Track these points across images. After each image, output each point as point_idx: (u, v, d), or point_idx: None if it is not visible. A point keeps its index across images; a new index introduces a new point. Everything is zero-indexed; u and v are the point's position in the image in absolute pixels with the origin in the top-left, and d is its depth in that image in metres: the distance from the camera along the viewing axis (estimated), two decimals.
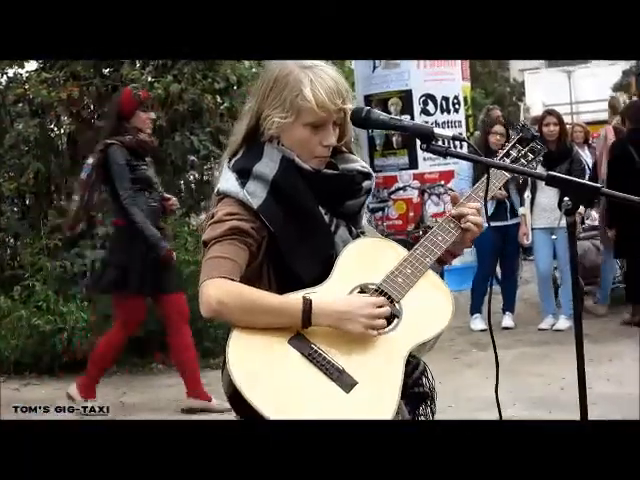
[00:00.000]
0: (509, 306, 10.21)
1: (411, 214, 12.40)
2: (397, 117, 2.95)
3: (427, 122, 12.50)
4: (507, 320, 10.03)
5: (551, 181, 2.75)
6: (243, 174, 2.77)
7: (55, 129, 10.04)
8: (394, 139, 12.75)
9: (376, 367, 2.60)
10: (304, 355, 2.56)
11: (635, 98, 14.36)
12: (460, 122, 12.86)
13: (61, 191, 10.09)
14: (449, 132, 2.85)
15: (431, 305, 2.76)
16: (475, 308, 10.13)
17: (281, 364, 2.54)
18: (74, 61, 9.44)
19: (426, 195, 11.84)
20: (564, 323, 9.66)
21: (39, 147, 9.84)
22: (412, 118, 12.40)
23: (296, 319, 2.59)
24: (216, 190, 2.82)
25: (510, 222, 9.82)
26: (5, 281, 9.57)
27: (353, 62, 13.72)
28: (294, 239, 2.73)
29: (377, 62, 12.67)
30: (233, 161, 2.84)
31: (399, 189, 12.05)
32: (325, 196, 2.83)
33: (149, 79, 9.51)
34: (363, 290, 2.73)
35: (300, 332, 2.59)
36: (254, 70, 10.28)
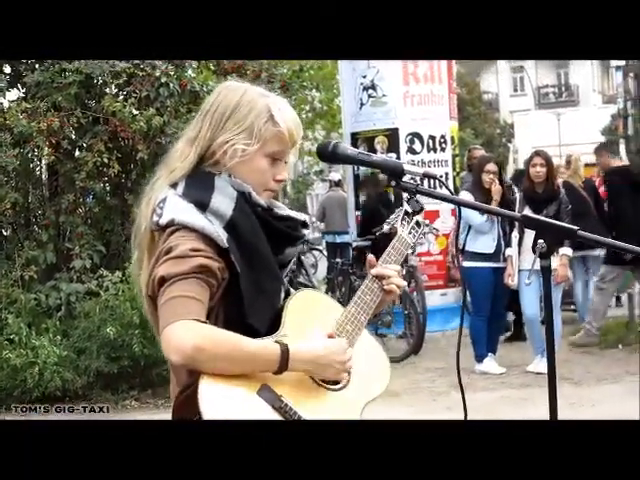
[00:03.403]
0: (492, 348, 10.02)
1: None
2: (366, 152, 2.84)
3: (413, 161, 12.45)
4: (492, 364, 9.83)
5: (525, 222, 2.64)
6: (199, 207, 2.52)
7: (35, 160, 9.88)
8: (380, 177, 12.67)
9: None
10: (275, 408, 2.43)
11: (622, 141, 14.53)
12: (447, 161, 12.83)
13: (38, 222, 9.95)
14: (420, 169, 2.74)
15: (373, 363, 2.78)
16: (481, 353, 9.87)
17: (253, 417, 2.41)
18: (55, 92, 9.33)
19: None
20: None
21: (18, 177, 9.72)
22: (398, 156, 12.40)
23: (272, 365, 2.42)
24: (167, 219, 2.50)
25: (502, 264, 9.65)
26: None
27: (341, 99, 13.66)
28: (253, 285, 2.55)
29: (364, 99, 12.64)
30: (180, 191, 2.57)
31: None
32: (273, 239, 2.66)
33: (132, 111, 9.38)
34: None
35: (265, 384, 2.43)
36: None
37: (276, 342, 2.46)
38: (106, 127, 9.43)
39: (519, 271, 9.46)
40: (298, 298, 2.69)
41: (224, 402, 2.37)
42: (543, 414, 2.59)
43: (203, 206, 2.53)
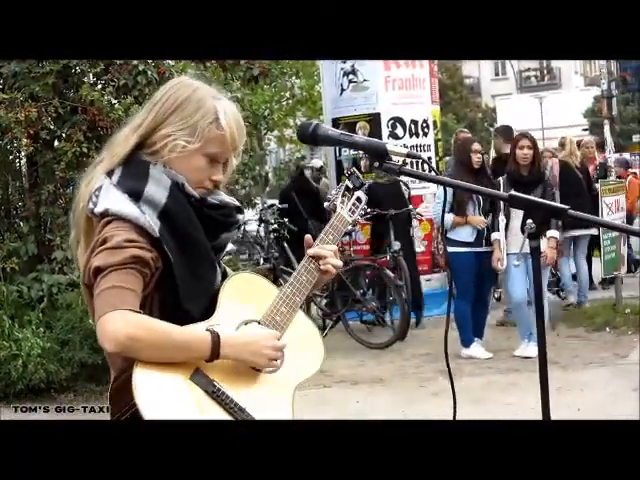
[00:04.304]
0: (478, 332, 9.98)
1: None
2: (347, 133, 2.78)
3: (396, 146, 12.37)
4: (479, 349, 9.79)
5: (513, 202, 2.59)
6: (133, 196, 2.59)
7: (14, 151, 9.77)
8: (362, 163, 12.61)
9: (272, 406, 2.63)
10: (207, 393, 2.49)
11: (606, 122, 14.58)
12: (429, 146, 12.78)
13: (19, 214, 9.85)
14: (404, 150, 2.69)
15: (307, 344, 2.82)
16: (467, 337, 9.84)
17: (187, 402, 2.47)
18: (32, 82, 9.22)
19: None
20: (534, 350, 9.47)
21: None
22: None
23: (204, 353, 2.49)
24: (102, 209, 2.57)
25: (484, 249, 9.63)
26: None
27: (322, 84, 13.58)
28: (187, 273, 2.61)
29: (345, 84, 12.58)
30: (115, 179, 2.63)
31: (367, 213, 11.82)
32: (207, 227, 2.71)
33: (110, 100, 9.28)
34: None
35: (198, 368, 2.51)
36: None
37: (207, 330, 2.51)
38: (84, 117, 9.31)
39: (507, 255, 9.42)
40: (233, 281, 2.75)
41: (157, 388, 2.42)
42: (530, 400, 2.55)
43: (137, 195, 2.58)
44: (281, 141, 25.20)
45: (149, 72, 9.45)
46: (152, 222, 2.55)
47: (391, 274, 10.70)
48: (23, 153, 9.45)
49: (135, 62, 9.41)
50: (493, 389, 8.29)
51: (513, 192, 2.53)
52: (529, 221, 2.48)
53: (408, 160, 2.72)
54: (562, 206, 2.50)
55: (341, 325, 11.25)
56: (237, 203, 2.86)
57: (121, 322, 2.37)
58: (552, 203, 2.55)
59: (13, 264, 9.15)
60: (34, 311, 8.97)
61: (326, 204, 3.00)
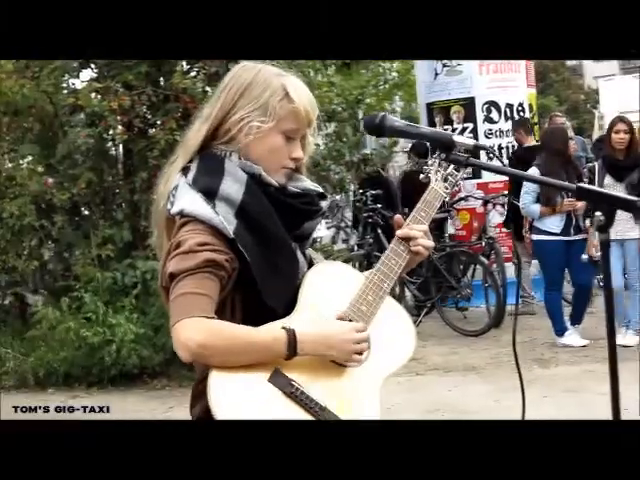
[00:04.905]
0: (577, 319, 9.77)
1: (475, 224, 12.16)
2: (414, 124, 2.74)
3: (491, 130, 12.24)
4: (574, 337, 9.62)
5: (581, 193, 2.51)
6: (208, 195, 2.54)
7: (109, 139, 9.92)
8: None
9: (356, 402, 2.52)
10: (286, 394, 2.42)
11: None
12: None
13: (114, 201, 10.00)
14: (471, 141, 2.64)
15: (396, 333, 2.69)
16: (560, 326, 9.67)
17: (266, 405, 2.40)
18: (126, 71, 9.33)
19: (490, 205, 11.51)
20: (632, 339, 9.28)
21: (94, 157, 9.76)
22: (475, 126, 12.25)
23: (281, 351, 2.43)
24: (177, 210, 2.54)
25: (573, 237, 9.44)
26: (58, 292, 9.47)
27: (415, 69, 13.47)
28: (267, 270, 2.54)
29: (438, 69, 12.46)
30: (190, 177, 2.59)
31: (461, 199, 11.73)
32: (288, 217, 2.63)
33: (203, 88, 9.34)
34: None
35: (277, 368, 2.44)
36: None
37: (282, 328, 2.44)
38: (177, 104, 9.37)
39: None
40: (314, 272, 2.66)
41: (233, 394, 2.38)
42: (626, 390, 2.46)
43: (212, 194, 2.54)
44: None
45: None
46: (227, 222, 2.50)
47: (485, 260, 10.61)
48: (117, 141, 9.54)
49: None
50: (589, 378, 8.11)
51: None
52: (597, 213, 2.40)
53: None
54: (633, 198, 2.41)
55: (435, 312, 11.17)
56: (320, 189, 2.79)
57: (194, 330, 2.34)
58: (621, 195, 2.46)
59: (108, 251, 9.28)
60: (128, 297, 9.09)
61: (421, 176, 2.87)
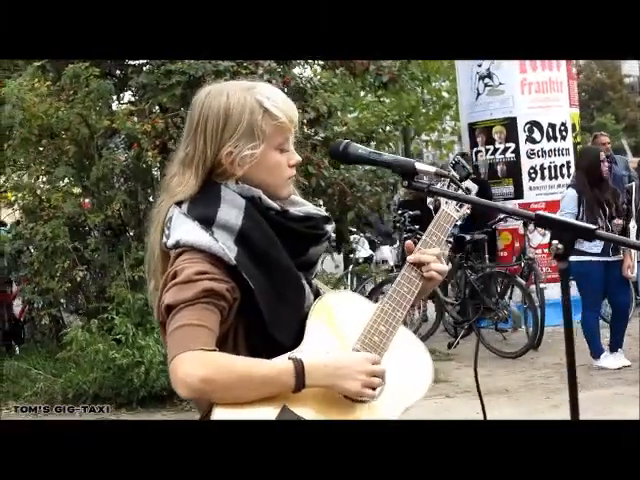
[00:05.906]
0: (616, 343, 9.64)
1: (517, 245, 12.06)
2: (377, 151, 2.70)
3: (533, 150, 12.13)
4: (609, 359, 9.48)
5: (539, 221, 2.45)
6: (205, 223, 2.39)
7: (144, 161, 9.99)
8: (499, 168, 12.43)
9: None
10: None
11: None
12: (568, 150, 12.47)
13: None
14: (432, 168, 2.59)
15: (411, 364, 2.54)
16: (596, 348, 9.56)
17: None
18: (161, 93, 9.39)
19: (531, 226, 11.39)
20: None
21: (129, 179, 9.83)
22: (517, 146, 12.17)
23: (288, 383, 2.27)
24: (173, 242, 2.38)
25: (612, 258, 9.31)
26: (91, 314, 9.52)
27: (458, 88, 13.42)
28: (272, 299, 2.39)
29: (480, 88, 12.40)
30: (185, 208, 2.44)
31: (501, 219, 11.62)
32: (292, 242, 2.49)
33: None
34: None
35: (286, 406, 2.28)
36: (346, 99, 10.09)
37: (289, 359, 2.30)
38: None
39: (638, 262, 9.11)
40: (323, 303, 2.52)
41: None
42: None
43: (209, 221, 2.40)
44: (430, 145, 25.05)
45: (274, 81, 9.49)
46: (227, 249, 2.35)
47: (523, 282, 10.50)
48: (150, 163, 9.58)
49: (260, 71, 9.46)
50: (617, 402, 7.96)
51: (540, 212, 2.38)
52: (554, 242, 2.33)
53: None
54: (590, 226, 2.35)
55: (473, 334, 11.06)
56: (324, 213, 2.65)
57: (192, 364, 2.19)
58: (580, 223, 2.39)
59: (141, 272, 9.29)
60: None
61: (429, 200, 2.78)
